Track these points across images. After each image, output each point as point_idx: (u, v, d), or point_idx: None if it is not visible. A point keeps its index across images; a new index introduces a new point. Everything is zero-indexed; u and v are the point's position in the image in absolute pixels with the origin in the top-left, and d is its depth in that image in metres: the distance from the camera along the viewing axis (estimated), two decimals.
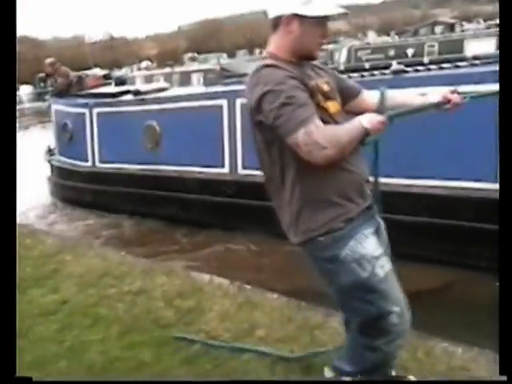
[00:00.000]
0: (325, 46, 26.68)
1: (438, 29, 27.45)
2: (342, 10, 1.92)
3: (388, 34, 48.58)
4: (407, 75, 4.61)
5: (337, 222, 1.91)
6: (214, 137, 5.64)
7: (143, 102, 6.56)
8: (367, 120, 1.84)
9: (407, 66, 5.00)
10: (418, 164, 4.35)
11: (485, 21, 51.04)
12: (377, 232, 2.06)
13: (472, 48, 18.41)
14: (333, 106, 1.97)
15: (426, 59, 5.20)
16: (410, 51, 20.58)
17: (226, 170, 5.62)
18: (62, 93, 8.07)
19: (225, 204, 5.61)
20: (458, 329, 3.27)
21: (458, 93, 2.09)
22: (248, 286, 3.68)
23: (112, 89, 8.66)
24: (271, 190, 2.04)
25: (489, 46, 17.71)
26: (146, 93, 6.85)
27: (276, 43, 1.97)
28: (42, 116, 11.29)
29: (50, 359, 2.88)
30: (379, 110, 1.98)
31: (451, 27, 27.81)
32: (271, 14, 1.95)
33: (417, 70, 4.71)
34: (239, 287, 3.64)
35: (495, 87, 2.52)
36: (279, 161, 1.93)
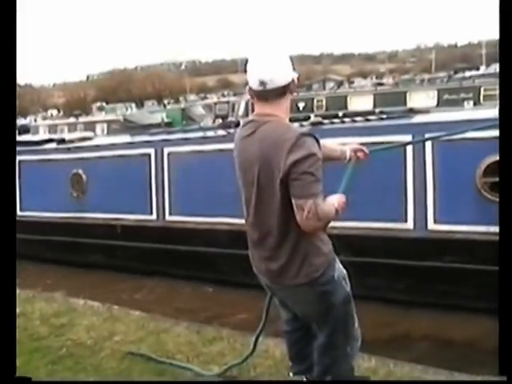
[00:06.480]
0: (227, 99, 28.09)
1: (329, 84, 30.14)
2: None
3: None
4: (323, 127, 5.11)
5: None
6: (141, 184, 5.84)
7: (69, 150, 6.66)
8: (336, 201, 2.26)
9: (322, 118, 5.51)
10: None
11: (377, 77, 56.38)
12: None
13: (354, 103, 20.79)
14: None
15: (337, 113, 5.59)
16: (301, 104, 22.59)
17: (153, 216, 5.81)
18: None
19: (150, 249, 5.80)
20: None
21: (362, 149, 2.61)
22: (115, 306, 4.41)
23: (36, 137, 8.05)
24: (270, 240, 2.25)
25: (368, 102, 20.17)
26: (70, 141, 6.94)
27: (286, 106, 2.21)
28: None
29: None
30: None
31: (340, 83, 30.68)
32: (278, 83, 2.12)
33: (332, 122, 5.24)
34: (108, 307, 4.35)
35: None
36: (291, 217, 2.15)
